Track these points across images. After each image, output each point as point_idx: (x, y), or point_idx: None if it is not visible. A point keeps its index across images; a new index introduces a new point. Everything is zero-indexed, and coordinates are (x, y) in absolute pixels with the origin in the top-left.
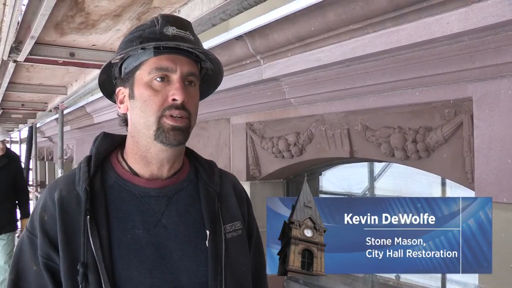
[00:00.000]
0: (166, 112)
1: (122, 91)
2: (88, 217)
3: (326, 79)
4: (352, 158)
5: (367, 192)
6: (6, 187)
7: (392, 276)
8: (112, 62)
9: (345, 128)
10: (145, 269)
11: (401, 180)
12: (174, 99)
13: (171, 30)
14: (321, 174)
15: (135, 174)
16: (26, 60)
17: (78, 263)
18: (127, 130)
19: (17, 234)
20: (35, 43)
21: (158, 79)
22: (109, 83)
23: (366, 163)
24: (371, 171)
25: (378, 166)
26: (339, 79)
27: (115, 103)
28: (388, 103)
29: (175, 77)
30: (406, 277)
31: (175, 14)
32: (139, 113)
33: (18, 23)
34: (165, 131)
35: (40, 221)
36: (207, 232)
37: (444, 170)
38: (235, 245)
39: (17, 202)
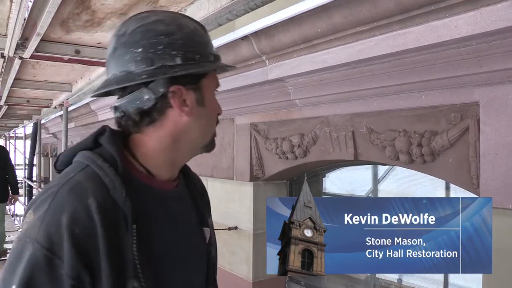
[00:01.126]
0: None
1: (182, 92)
2: (135, 229)
3: (332, 81)
4: (356, 161)
5: (370, 195)
6: None
7: (394, 279)
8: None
9: (349, 131)
10: (183, 274)
11: (404, 183)
12: (218, 113)
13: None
14: (324, 176)
15: (151, 175)
16: (32, 57)
17: (125, 280)
18: (138, 128)
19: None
20: (41, 40)
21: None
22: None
23: (370, 166)
24: (375, 174)
25: (382, 169)
26: (344, 81)
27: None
28: (393, 106)
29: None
30: (408, 281)
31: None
32: (205, 122)
33: (24, 20)
34: (213, 142)
35: (69, 236)
36: (207, 230)
37: (449, 175)
38: (214, 239)
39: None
